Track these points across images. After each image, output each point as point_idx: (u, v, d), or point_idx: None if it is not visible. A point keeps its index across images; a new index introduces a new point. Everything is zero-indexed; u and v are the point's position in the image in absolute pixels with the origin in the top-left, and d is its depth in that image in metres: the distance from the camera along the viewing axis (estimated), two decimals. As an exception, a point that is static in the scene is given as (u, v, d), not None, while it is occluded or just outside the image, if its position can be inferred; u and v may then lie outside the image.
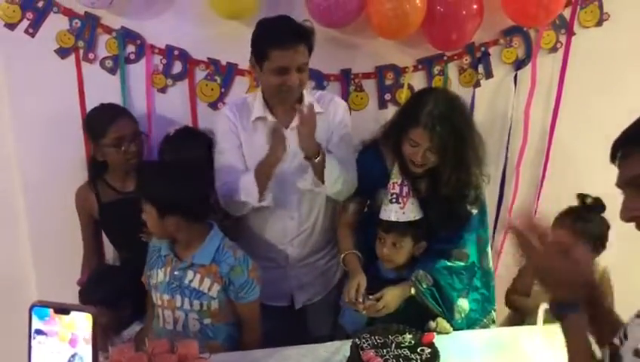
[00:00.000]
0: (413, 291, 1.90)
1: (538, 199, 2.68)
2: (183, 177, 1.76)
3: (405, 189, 1.89)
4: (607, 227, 2.08)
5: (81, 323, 1.05)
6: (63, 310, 1.06)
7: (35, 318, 1.07)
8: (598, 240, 2.08)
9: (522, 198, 2.69)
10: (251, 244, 2.08)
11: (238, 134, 2.03)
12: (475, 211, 1.97)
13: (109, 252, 2.29)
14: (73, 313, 1.05)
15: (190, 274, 1.79)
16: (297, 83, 1.90)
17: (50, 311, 1.07)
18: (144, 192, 1.78)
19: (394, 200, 1.89)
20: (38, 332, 1.08)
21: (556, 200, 2.15)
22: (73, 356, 1.06)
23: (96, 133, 2.06)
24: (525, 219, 1.18)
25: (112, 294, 1.93)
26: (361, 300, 1.82)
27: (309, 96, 2.05)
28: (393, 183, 1.91)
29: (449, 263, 1.96)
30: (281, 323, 2.10)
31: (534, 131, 2.61)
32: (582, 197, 2.09)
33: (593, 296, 1.17)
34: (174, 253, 1.82)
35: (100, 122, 2.06)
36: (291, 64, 1.86)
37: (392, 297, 1.85)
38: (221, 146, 2.04)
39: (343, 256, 2.02)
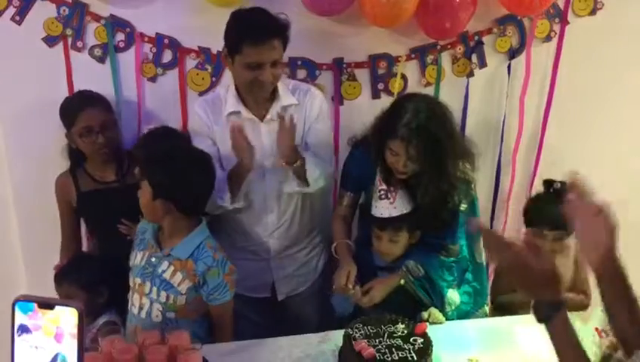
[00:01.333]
0: (402, 281, 1.89)
1: (531, 188, 2.68)
2: (190, 167, 1.74)
3: (393, 183, 1.87)
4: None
5: (67, 318, 1.02)
6: (47, 304, 1.03)
7: (18, 313, 1.04)
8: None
9: (517, 187, 2.69)
10: (232, 238, 2.08)
11: (211, 132, 2.01)
12: (464, 206, 1.95)
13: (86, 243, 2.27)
14: (58, 307, 1.02)
15: (165, 264, 1.76)
16: (270, 78, 1.87)
17: (35, 305, 1.03)
18: (146, 168, 1.73)
19: (383, 195, 1.88)
20: (22, 327, 1.05)
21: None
22: (56, 355, 1.03)
23: (67, 122, 2.03)
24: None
25: (90, 278, 1.94)
26: (351, 286, 1.82)
27: (284, 87, 2.01)
28: (380, 179, 1.89)
29: (440, 256, 1.96)
30: (264, 315, 2.12)
31: (529, 120, 2.60)
32: (549, 182, 2.07)
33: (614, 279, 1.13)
34: (156, 240, 1.80)
35: (71, 110, 2.03)
36: (265, 60, 1.82)
37: (378, 291, 1.85)
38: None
39: (334, 245, 2.01)
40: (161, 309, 1.78)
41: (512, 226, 2.71)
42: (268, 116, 1.98)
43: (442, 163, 1.79)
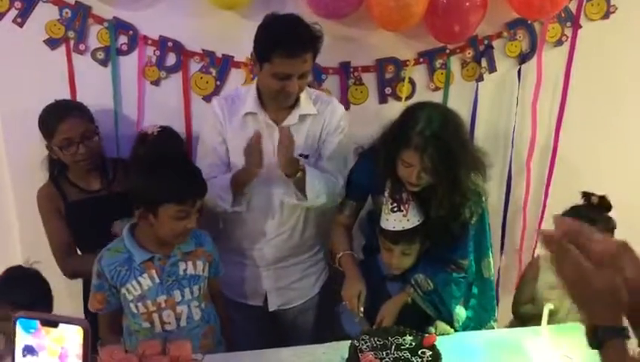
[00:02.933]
0: (409, 299, 1.86)
1: (546, 196, 2.63)
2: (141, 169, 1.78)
3: (405, 195, 1.81)
4: (614, 227, 2.00)
5: (71, 336, 0.98)
6: (50, 322, 0.99)
7: (20, 331, 1.00)
8: None
9: (535, 196, 2.65)
10: (229, 238, 2.05)
11: (224, 131, 1.98)
12: (474, 220, 1.90)
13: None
14: (62, 325, 0.98)
15: (182, 264, 1.76)
16: (297, 90, 1.84)
17: (37, 323, 0.99)
18: (202, 192, 1.73)
19: (395, 208, 1.82)
20: (27, 348, 1.00)
21: (566, 197, 2.07)
22: None
23: (46, 133, 1.97)
24: (563, 224, 1.03)
25: (28, 297, 1.76)
26: (362, 309, 1.78)
27: (306, 96, 1.97)
28: (392, 191, 1.83)
29: (448, 271, 1.91)
30: (255, 324, 2.09)
31: (542, 126, 2.55)
32: (587, 195, 2.01)
33: None
34: (151, 257, 1.73)
35: (49, 122, 1.96)
36: (294, 72, 1.79)
37: (390, 317, 1.81)
38: (203, 141, 2.01)
39: (339, 256, 1.96)
40: (197, 304, 1.80)
41: (529, 236, 2.67)
42: (285, 122, 1.94)
43: (456, 174, 1.73)
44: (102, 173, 2.10)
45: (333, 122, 2.00)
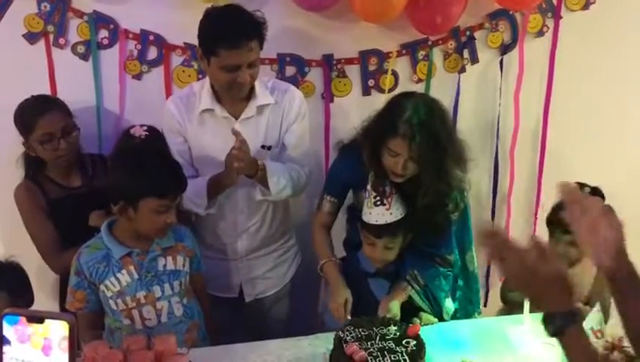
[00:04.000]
0: (408, 296, 1.87)
1: (539, 193, 2.66)
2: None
3: (387, 189, 1.81)
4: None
5: (57, 330, 0.97)
6: (36, 318, 0.98)
7: (6, 327, 0.99)
8: None
9: (522, 186, 2.66)
10: (201, 234, 2.05)
11: (183, 131, 1.96)
12: (455, 215, 1.90)
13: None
14: (48, 321, 0.97)
15: (162, 259, 1.76)
16: (248, 79, 1.82)
17: (23, 319, 0.99)
18: (182, 187, 1.73)
19: (378, 202, 1.81)
20: (8, 341, 1.00)
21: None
22: None
23: (25, 129, 1.94)
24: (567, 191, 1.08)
25: (15, 282, 1.82)
26: (349, 317, 1.77)
27: (261, 86, 1.96)
28: (374, 184, 1.82)
29: (437, 266, 1.92)
30: (231, 316, 2.09)
31: (528, 117, 2.57)
32: (580, 186, 1.99)
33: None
34: (130, 253, 1.72)
35: (27, 117, 1.93)
36: (242, 62, 1.77)
37: (397, 310, 1.79)
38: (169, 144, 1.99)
39: (321, 263, 1.94)
40: (179, 300, 1.79)
41: (515, 225, 2.69)
42: (243, 115, 1.93)
43: (442, 162, 1.73)
44: (81, 169, 2.07)
45: (293, 110, 1.99)
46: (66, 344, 0.97)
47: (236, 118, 1.93)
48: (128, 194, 1.65)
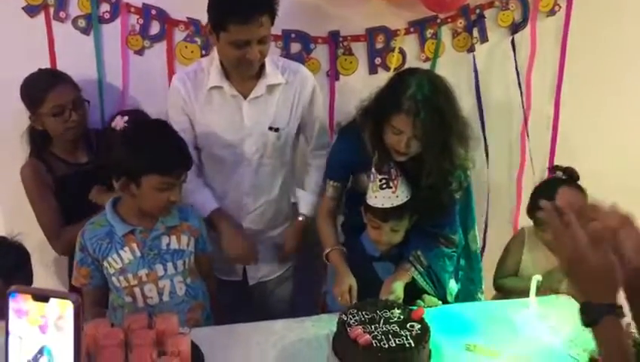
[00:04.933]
0: (412, 276, 1.85)
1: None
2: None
3: (393, 171, 1.77)
4: (585, 195, 2.05)
5: (51, 307, 0.95)
6: (41, 297, 0.96)
7: (11, 303, 0.98)
8: None
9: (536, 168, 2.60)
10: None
11: (189, 109, 1.92)
12: (459, 194, 1.87)
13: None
14: (53, 300, 0.96)
15: (165, 238, 1.73)
16: (258, 56, 1.77)
17: (28, 297, 0.97)
18: (187, 164, 1.70)
19: (384, 185, 1.77)
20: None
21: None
22: (42, 348, 0.96)
23: (34, 102, 1.92)
24: (564, 198, 1.01)
25: (7, 264, 1.78)
26: (354, 303, 1.74)
27: (272, 65, 1.91)
28: (379, 167, 1.78)
29: (441, 247, 1.90)
30: (235, 299, 2.08)
31: (539, 98, 2.52)
32: (555, 168, 2.09)
33: None
34: (133, 230, 1.70)
35: (38, 89, 1.91)
36: (252, 38, 1.73)
37: (400, 291, 1.77)
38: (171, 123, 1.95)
39: (327, 252, 1.92)
40: (182, 280, 1.77)
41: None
42: (252, 94, 1.89)
43: (447, 140, 1.69)
44: (87, 144, 2.05)
45: (306, 93, 1.96)
46: (63, 323, 0.96)
47: (245, 97, 1.90)
48: (131, 169, 1.63)
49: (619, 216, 0.97)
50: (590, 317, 0.95)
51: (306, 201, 2.09)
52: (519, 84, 2.46)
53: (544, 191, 2.03)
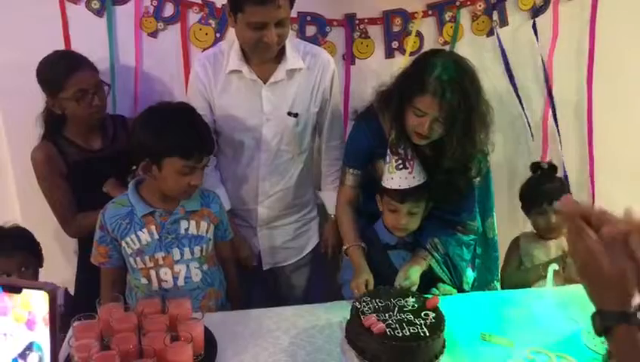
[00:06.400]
0: (428, 263, 1.82)
1: (591, 158, 2.58)
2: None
3: (409, 152, 1.74)
4: (568, 187, 2.32)
5: (37, 302, 0.93)
6: (13, 288, 0.94)
7: None
8: None
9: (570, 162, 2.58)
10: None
11: (209, 94, 1.91)
12: (477, 180, 1.84)
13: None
14: (26, 291, 0.94)
15: (184, 222, 1.73)
16: (276, 39, 1.74)
17: (12, 295, 0.95)
18: (210, 149, 1.70)
19: (400, 166, 1.74)
20: None
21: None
22: (31, 343, 0.95)
23: (54, 86, 1.88)
24: (571, 205, 0.98)
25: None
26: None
27: (293, 49, 1.88)
28: (395, 148, 1.75)
29: (458, 234, 1.87)
30: (249, 282, 2.08)
31: (562, 82, 2.47)
32: (537, 165, 2.21)
33: None
34: (152, 212, 1.70)
35: (58, 73, 1.88)
36: (269, 19, 1.70)
37: (416, 277, 1.75)
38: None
39: (346, 248, 1.89)
40: (198, 266, 1.76)
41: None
42: (272, 79, 1.87)
43: (472, 122, 1.66)
44: (102, 130, 2.04)
45: (326, 79, 1.94)
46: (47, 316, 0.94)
47: (265, 82, 1.87)
48: (153, 151, 1.62)
49: (631, 222, 0.93)
50: (603, 325, 0.92)
51: (332, 203, 2.06)
52: (544, 68, 2.40)
53: (533, 186, 2.17)
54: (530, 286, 2.07)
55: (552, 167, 2.20)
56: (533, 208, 2.14)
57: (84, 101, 1.89)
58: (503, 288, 2.16)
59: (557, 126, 2.50)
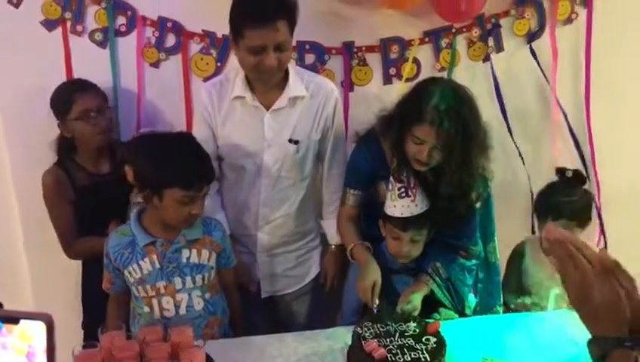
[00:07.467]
0: (429, 288, 1.82)
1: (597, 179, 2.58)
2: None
3: (412, 179, 1.76)
4: (592, 198, 2.09)
5: (36, 333, 0.91)
6: (10, 319, 0.92)
7: None
8: (584, 214, 2.02)
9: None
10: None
11: (213, 120, 1.94)
12: (478, 205, 1.85)
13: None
14: (23, 321, 0.92)
15: (185, 251, 1.73)
16: (275, 64, 1.76)
17: (11, 328, 0.92)
18: (209, 178, 1.71)
19: (403, 194, 1.75)
20: None
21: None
22: None
23: (62, 109, 1.96)
24: (554, 233, 0.99)
25: None
26: (377, 301, 1.72)
27: (296, 77, 1.91)
28: (397, 176, 1.77)
29: (460, 259, 1.88)
30: (249, 309, 2.06)
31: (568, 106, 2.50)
32: (561, 171, 2.07)
33: None
34: (154, 242, 1.71)
35: (66, 96, 1.96)
36: (268, 43, 1.72)
37: (418, 302, 1.75)
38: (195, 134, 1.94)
39: (350, 248, 1.90)
40: (200, 294, 1.76)
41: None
42: (274, 106, 1.89)
43: (469, 151, 1.67)
44: (111, 154, 2.08)
45: (329, 109, 1.95)
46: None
47: (267, 108, 1.90)
48: (154, 182, 1.64)
49: (607, 257, 0.95)
50: (599, 351, 0.93)
51: (333, 232, 2.09)
52: (550, 89, 2.44)
53: (551, 192, 2.05)
54: (530, 292, 2.05)
55: (579, 176, 2.07)
56: (549, 218, 2.01)
57: (87, 122, 1.95)
58: (503, 289, 2.15)
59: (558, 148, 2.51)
